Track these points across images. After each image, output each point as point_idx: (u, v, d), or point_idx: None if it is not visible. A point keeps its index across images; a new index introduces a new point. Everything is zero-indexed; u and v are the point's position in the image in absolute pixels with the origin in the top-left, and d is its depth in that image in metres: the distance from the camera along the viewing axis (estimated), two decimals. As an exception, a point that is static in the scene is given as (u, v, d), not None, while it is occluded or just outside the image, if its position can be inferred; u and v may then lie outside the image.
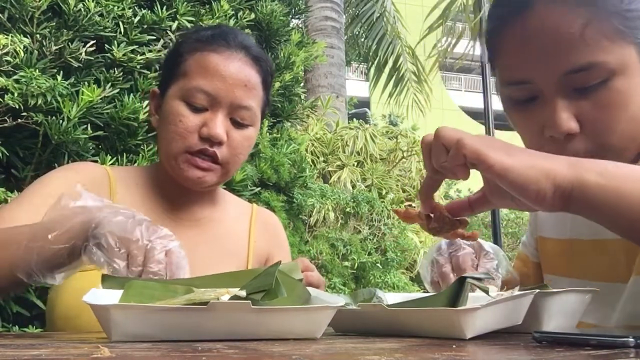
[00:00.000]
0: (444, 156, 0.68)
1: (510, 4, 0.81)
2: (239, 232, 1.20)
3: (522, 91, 0.81)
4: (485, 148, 0.65)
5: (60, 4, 1.63)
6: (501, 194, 0.70)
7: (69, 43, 1.60)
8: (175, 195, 1.12)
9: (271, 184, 2.55)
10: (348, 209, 6.40)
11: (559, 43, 0.76)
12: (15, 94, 1.43)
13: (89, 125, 1.56)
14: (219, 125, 1.04)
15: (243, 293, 0.63)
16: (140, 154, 1.70)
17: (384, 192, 7.67)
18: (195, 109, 1.04)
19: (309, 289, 0.74)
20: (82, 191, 0.80)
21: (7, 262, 0.80)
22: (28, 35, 1.55)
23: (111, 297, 0.67)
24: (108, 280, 0.72)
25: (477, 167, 0.66)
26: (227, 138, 1.05)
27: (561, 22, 0.76)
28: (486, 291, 0.72)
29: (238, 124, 1.07)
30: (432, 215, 0.76)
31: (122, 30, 1.73)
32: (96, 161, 1.59)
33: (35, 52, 1.53)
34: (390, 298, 0.90)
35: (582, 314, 0.86)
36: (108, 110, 1.62)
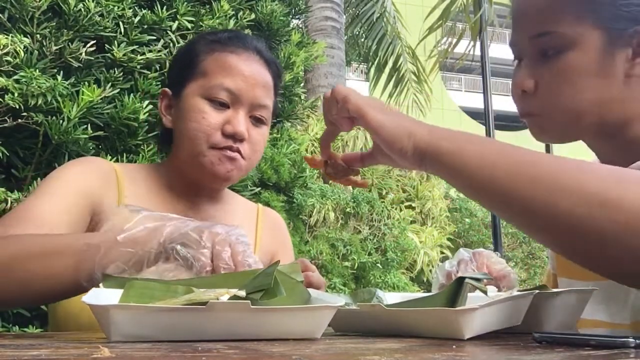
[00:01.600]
0: (335, 109, 0.80)
1: None
2: (246, 232, 1.21)
3: (514, 53, 0.94)
4: (365, 105, 0.76)
5: (61, 4, 1.63)
6: (384, 152, 0.79)
7: (69, 43, 1.61)
8: (183, 194, 1.13)
9: (271, 184, 2.55)
10: (348, 209, 6.41)
11: (530, 13, 0.90)
12: (16, 94, 1.43)
13: (89, 125, 1.56)
14: (242, 122, 1.07)
15: (242, 293, 0.63)
16: (140, 154, 1.70)
17: (384, 192, 7.68)
18: (218, 105, 1.06)
19: (309, 289, 0.74)
20: (141, 210, 0.81)
21: (72, 266, 0.80)
22: (28, 35, 1.55)
23: (111, 297, 0.67)
24: (109, 280, 0.72)
25: (359, 122, 0.77)
26: (248, 135, 1.08)
27: None
28: (484, 291, 0.72)
29: (257, 122, 1.10)
30: (328, 162, 0.88)
31: (122, 30, 1.73)
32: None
33: (36, 52, 1.53)
34: (391, 298, 0.90)
35: (594, 312, 0.87)
36: (108, 110, 1.62)
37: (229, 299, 0.62)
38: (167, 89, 1.15)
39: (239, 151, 1.07)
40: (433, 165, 0.72)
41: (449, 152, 0.70)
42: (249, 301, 0.61)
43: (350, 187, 7.16)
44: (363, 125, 0.76)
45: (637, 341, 0.54)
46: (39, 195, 0.99)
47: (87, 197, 1.01)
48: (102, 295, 0.67)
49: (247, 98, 1.08)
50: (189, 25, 1.88)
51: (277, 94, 1.18)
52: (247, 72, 1.08)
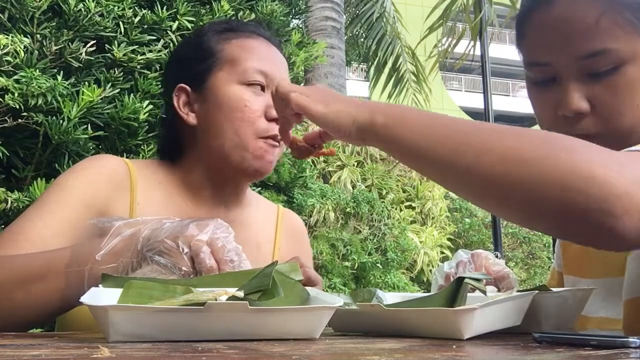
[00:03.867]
0: (282, 107, 0.83)
1: None
2: (265, 237, 1.16)
3: (542, 72, 0.89)
4: (306, 101, 0.78)
5: (61, 4, 1.63)
6: None
7: (69, 43, 1.61)
8: (201, 196, 1.07)
9: (271, 184, 2.55)
10: (348, 209, 6.40)
11: (576, 30, 0.84)
12: (16, 94, 1.43)
13: (89, 125, 1.56)
14: None
15: (241, 293, 0.63)
16: (141, 154, 1.70)
17: (384, 192, 7.67)
18: (257, 89, 1.03)
19: (309, 288, 0.74)
20: (113, 221, 0.80)
21: (55, 291, 0.79)
22: (28, 35, 1.55)
23: (111, 296, 0.67)
24: (108, 280, 0.72)
25: (305, 116, 0.81)
26: None
27: (579, 12, 0.84)
28: (484, 291, 0.72)
29: None
30: (294, 145, 0.94)
31: (123, 30, 1.73)
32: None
33: (36, 52, 1.53)
34: (391, 298, 0.90)
35: (598, 309, 0.88)
36: (108, 110, 1.62)
37: (227, 300, 0.62)
38: (184, 85, 1.07)
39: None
40: (372, 139, 0.75)
41: (384, 126, 0.73)
42: (246, 302, 0.61)
43: (350, 187, 7.17)
44: (309, 118, 0.80)
45: (638, 341, 0.54)
46: (39, 209, 0.93)
47: (94, 208, 0.95)
48: (101, 295, 0.67)
49: (276, 80, 1.01)
50: (189, 25, 1.87)
51: None
52: (272, 54, 1.07)
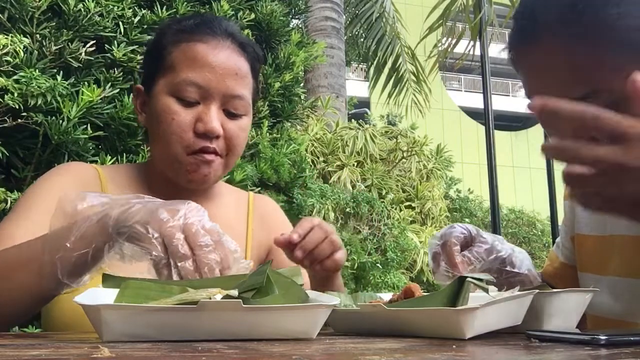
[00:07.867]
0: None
1: (522, 34, 0.85)
2: (237, 226, 1.17)
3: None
4: None
5: (60, 4, 1.63)
6: None
7: (69, 43, 1.60)
8: (169, 193, 1.08)
9: (271, 184, 2.55)
10: (348, 209, 6.40)
11: (564, 74, 0.80)
12: (15, 94, 1.43)
13: (89, 125, 1.56)
14: (214, 118, 1.00)
15: (235, 292, 0.63)
16: (140, 154, 1.70)
17: (383, 192, 7.67)
18: (187, 103, 1.01)
19: (308, 291, 0.74)
20: (84, 193, 0.79)
21: (34, 281, 0.78)
22: (28, 35, 1.55)
23: (107, 296, 0.67)
24: (108, 280, 0.72)
25: None
26: (223, 130, 1.02)
27: (565, 56, 0.79)
28: (486, 290, 0.72)
29: (232, 115, 1.04)
30: None
31: (122, 30, 1.73)
32: (96, 161, 1.59)
33: (35, 52, 1.53)
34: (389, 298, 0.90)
35: (618, 311, 0.87)
36: (108, 110, 1.62)
37: (221, 298, 0.62)
38: (140, 86, 1.10)
39: (215, 151, 1.01)
40: None
41: None
42: (240, 300, 0.60)
43: (350, 187, 7.16)
44: None
45: (609, 338, 0.55)
46: (18, 214, 0.96)
47: None
48: (98, 295, 0.67)
49: (217, 91, 1.01)
50: (189, 25, 1.87)
51: (256, 78, 1.10)
52: (215, 62, 1.01)
